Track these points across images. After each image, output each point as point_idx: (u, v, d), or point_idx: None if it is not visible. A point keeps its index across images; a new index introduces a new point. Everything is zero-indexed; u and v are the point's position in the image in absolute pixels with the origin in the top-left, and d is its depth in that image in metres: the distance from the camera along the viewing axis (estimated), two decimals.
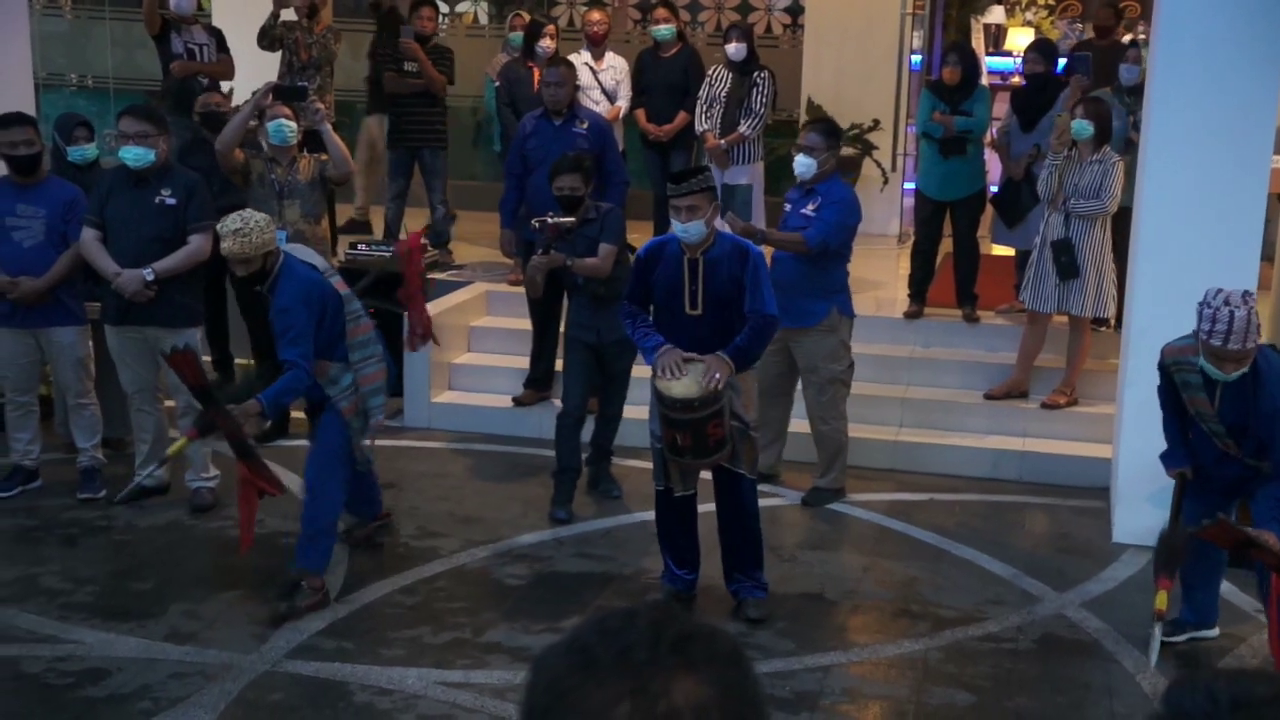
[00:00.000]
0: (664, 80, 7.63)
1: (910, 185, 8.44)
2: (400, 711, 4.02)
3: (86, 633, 4.46)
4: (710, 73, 7.34)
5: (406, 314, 6.05)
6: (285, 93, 6.21)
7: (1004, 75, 10.70)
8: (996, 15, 11.47)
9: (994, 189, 7.18)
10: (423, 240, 6.32)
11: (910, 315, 7.05)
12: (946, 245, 7.18)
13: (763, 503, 4.84)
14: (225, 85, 7.58)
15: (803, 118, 8.58)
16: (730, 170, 7.13)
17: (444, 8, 10.34)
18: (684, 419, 4.42)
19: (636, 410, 5.48)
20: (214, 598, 4.77)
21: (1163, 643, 4.31)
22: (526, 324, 6.63)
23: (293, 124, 5.91)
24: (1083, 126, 6.06)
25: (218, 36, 7.39)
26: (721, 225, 4.78)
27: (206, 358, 6.08)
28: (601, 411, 5.79)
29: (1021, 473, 6.19)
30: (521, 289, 6.38)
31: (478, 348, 7.22)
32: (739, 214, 6.11)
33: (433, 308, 6.64)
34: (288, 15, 7.81)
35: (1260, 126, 5.14)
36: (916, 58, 9.30)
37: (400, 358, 6.28)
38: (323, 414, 4.87)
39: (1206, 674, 1.07)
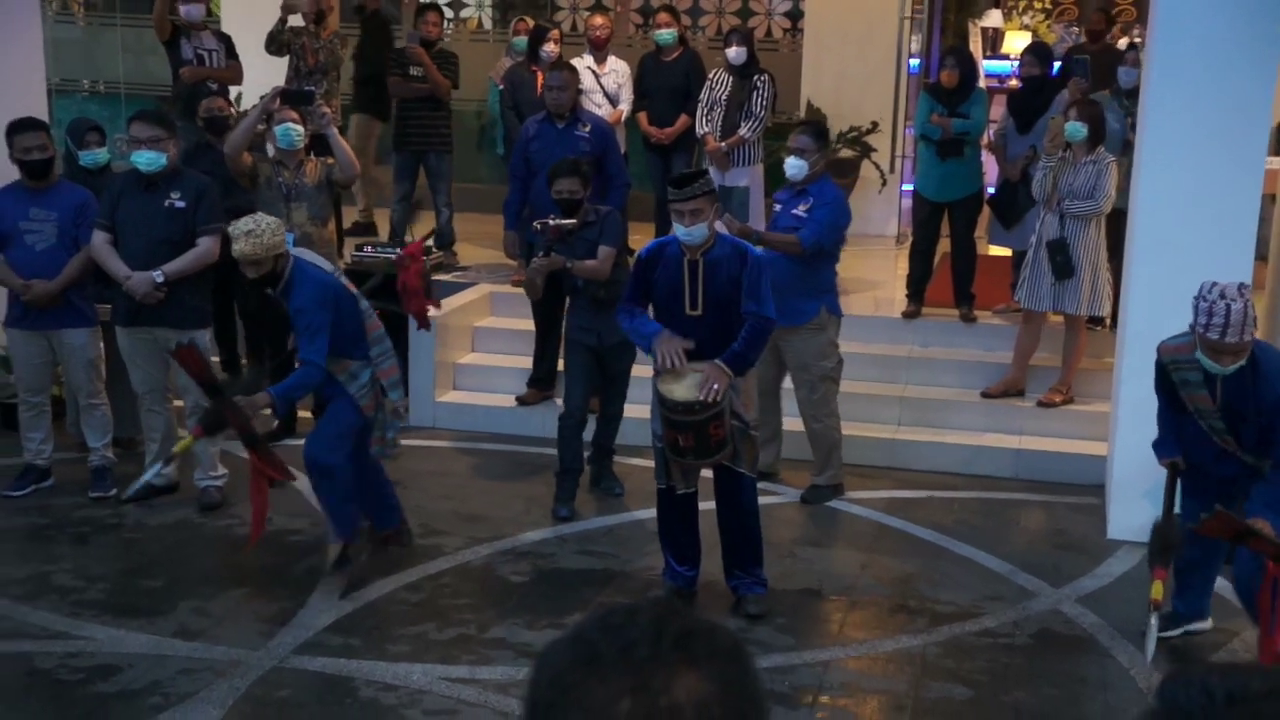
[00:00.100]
0: (665, 84, 7.69)
1: (908, 187, 8.49)
2: (405, 707, 4.05)
3: (98, 629, 4.51)
4: (711, 76, 7.39)
5: (408, 310, 6.12)
6: (292, 97, 6.27)
7: (1001, 78, 10.76)
8: (994, 19, 11.55)
9: (991, 190, 7.22)
10: (427, 243, 6.38)
11: (908, 315, 7.10)
12: (944, 246, 7.22)
13: (762, 500, 4.88)
14: (234, 90, 7.66)
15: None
16: (730, 172, 7.17)
17: (449, 13, 10.42)
18: (686, 421, 4.46)
19: (638, 409, 5.53)
20: (222, 595, 4.82)
21: (1159, 637, 4.34)
22: (530, 325, 6.68)
23: (300, 128, 5.97)
24: (1076, 128, 6.11)
25: (227, 42, 7.45)
26: (719, 226, 4.84)
27: (215, 359, 6.15)
28: (602, 411, 5.84)
29: (1018, 470, 6.24)
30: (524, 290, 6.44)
31: (481, 348, 7.27)
32: (736, 215, 6.17)
33: (437, 310, 6.71)
34: (295, 21, 7.89)
35: (1255, 128, 5.17)
36: (915, 61, 9.36)
37: (406, 359, 6.36)
38: (331, 403, 4.94)
39: (1201, 668, 1.05)
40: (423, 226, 7.66)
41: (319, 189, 6.02)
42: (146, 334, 5.48)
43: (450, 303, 7.16)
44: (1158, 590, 4.16)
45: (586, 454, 5.78)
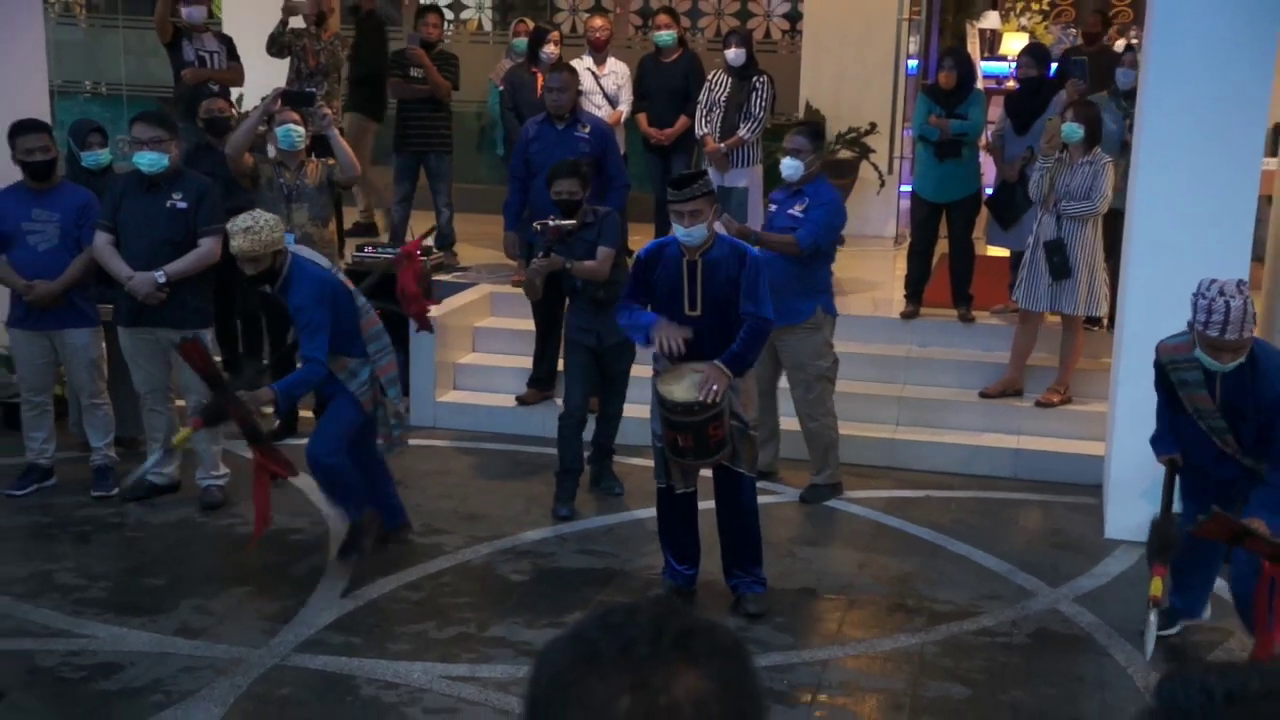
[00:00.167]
0: (665, 85, 7.72)
1: (907, 188, 8.50)
2: (406, 705, 4.07)
3: (100, 627, 4.53)
4: (710, 78, 7.41)
5: (408, 313, 6.14)
6: (294, 98, 6.29)
7: (999, 79, 10.78)
8: (991, 21, 11.58)
9: (989, 191, 7.24)
10: (425, 243, 6.40)
11: (907, 315, 7.12)
12: (942, 246, 7.24)
13: (761, 500, 4.89)
14: (235, 91, 7.68)
15: None
16: (729, 173, 7.19)
17: (449, 15, 10.45)
18: (685, 421, 4.48)
19: (637, 409, 5.55)
20: (224, 593, 4.84)
21: (1157, 635, 4.32)
22: (530, 325, 6.71)
23: (301, 129, 6.00)
24: (1073, 129, 6.14)
25: (228, 44, 7.48)
26: (718, 227, 4.86)
27: (217, 358, 6.17)
28: (602, 411, 5.86)
29: (1016, 470, 6.26)
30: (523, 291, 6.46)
31: (482, 348, 7.30)
32: (735, 215, 6.19)
33: (438, 309, 6.74)
34: (296, 23, 7.92)
35: (1252, 129, 5.18)
36: (913, 63, 9.39)
37: (406, 358, 6.38)
38: (332, 402, 4.97)
39: (1199, 667, 1.05)
40: (424, 227, 7.66)
41: (320, 190, 6.05)
42: (148, 334, 5.50)
43: (451, 303, 7.19)
44: (1157, 587, 4.16)
45: (586, 454, 5.80)
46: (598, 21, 8.03)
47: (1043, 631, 4.70)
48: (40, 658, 4.32)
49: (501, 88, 7.95)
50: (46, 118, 6.51)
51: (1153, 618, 4.22)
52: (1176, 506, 4.43)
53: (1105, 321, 6.67)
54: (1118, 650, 4.54)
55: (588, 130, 6.47)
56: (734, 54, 7.24)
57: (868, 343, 6.88)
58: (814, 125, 6.09)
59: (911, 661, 4.45)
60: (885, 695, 4.25)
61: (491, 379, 7.00)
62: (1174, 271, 4.97)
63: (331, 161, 6.07)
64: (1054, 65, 7.49)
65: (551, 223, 5.52)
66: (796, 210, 5.58)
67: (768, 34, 10.09)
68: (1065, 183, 6.18)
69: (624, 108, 7.80)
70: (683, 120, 7.61)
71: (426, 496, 5.83)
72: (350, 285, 5.01)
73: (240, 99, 8.07)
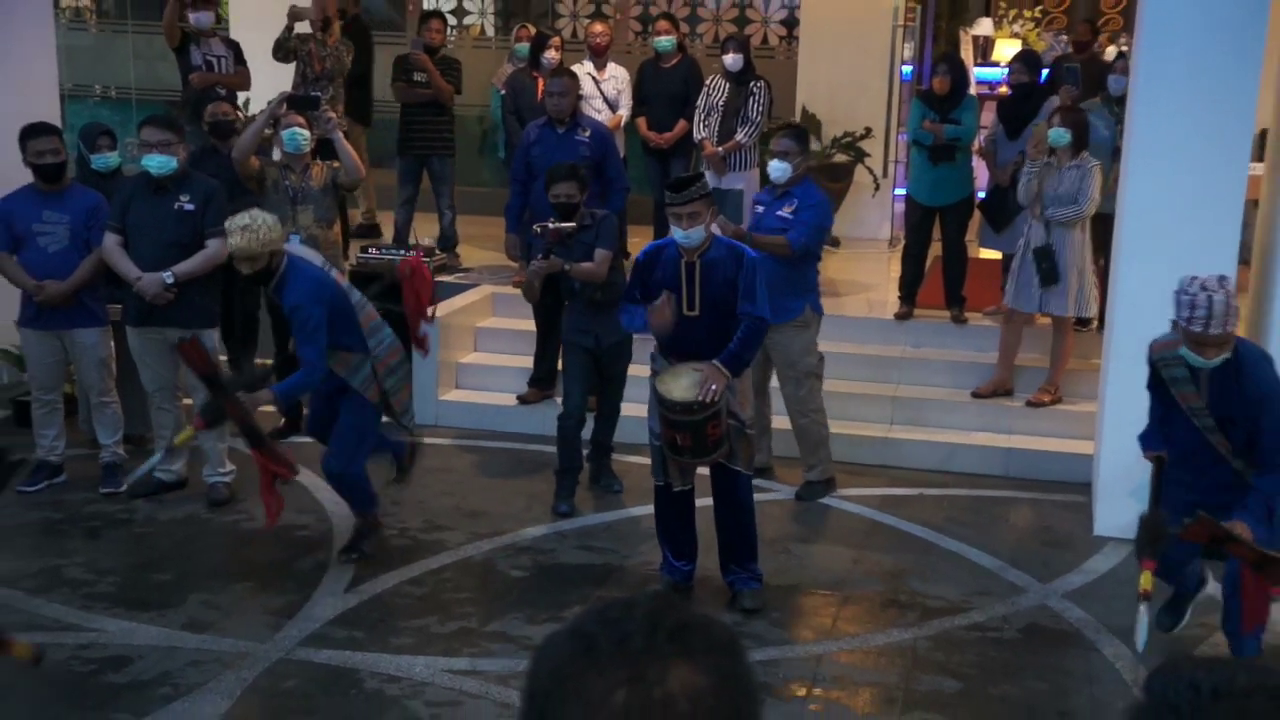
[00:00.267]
0: (664, 90, 7.80)
1: (901, 191, 8.56)
2: (408, 698, 4.12)
3: (109, 622, 4.58)
4: (708, 82, 7.48)
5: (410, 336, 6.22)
6: (299, 102, 6.37)
7: (991, 85, 10.83)
8: (985, 27, 11.66)
9: (982, 195, 7.28)
10: (425, 259, 6.48)
11: (901, 317, 7.18)
12: (936, 249, 7.29)
13: (756, 497, 4.93)
14: (242, 95, 7.76)
15: None
16: (727, 176, 7.23)
17: (452, 20, 10.54)
18: (684, 420, 4.53)
19: (636, 408, 5.60)
20: (230, 588, 4.90)
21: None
22: (530, 325, 6.77)
23: (306, 132, 6.07)
24: (1059, 134, 6.20)
25: (235, 49, 7.55)
26: (715, 228, 4.94)
27: (223, 358, 6.25)
28: (600, 409, 5.91)
29: (1007, 468, 6.31)
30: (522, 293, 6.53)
31: (483, 348, 7.36)
32: (731, 218, 6.26)
33: (440, 309, 6.81)
34: (302, 28, 8.00)
35: (1239, 134, 5.24)
36: (907, 68, 9.45)
37: (409, 358, 6.44)
38: (343, 398, 5.00)
39: (1188, 663, 1.06)
40: (426, 230, 7.73)
41: (325, 192, 6.12)
42: (156, 334, 5.57)
43: (453, 303, 7.25)
44: (1146, 581, 4.17)
45: (585, 452, 5.85)
46: (598, 27, 8.12)
47: (1033, 627, 4.74)
48: (51, 651, 4.30)
49: (503, 92, 8.04)
50: (57, 121, 6.59)
51: (1143, 611, 4.19)
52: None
53: (1095, 323, 6.75)
54: (1106, 645, 4.58)
55: (588, 134, 6.52)
56: (732, 59, 7.32)
57: (863, 343, 6.96)
58: (799, 128, 6.16)
59: (904, 656, 4.50)
60: (878, 689, 4.29)
61: (493, 378, 7.06)
62: (1163, 273, 4.98)
63: (336, 164, 6.14)
64: (1046, 71, 7.57)
65: (550, 225, 5.59)
66: (785, 212, 5.65)
67: (765, 40, 10.16)
68: (1053, 187, 6.23)
69: (624, 112, 7.88)
70: (681, 124, 7.69)
71: (429, 493, 5.88)
72: (343, 280, 5.06)
73: (247, 103, 8.15)
